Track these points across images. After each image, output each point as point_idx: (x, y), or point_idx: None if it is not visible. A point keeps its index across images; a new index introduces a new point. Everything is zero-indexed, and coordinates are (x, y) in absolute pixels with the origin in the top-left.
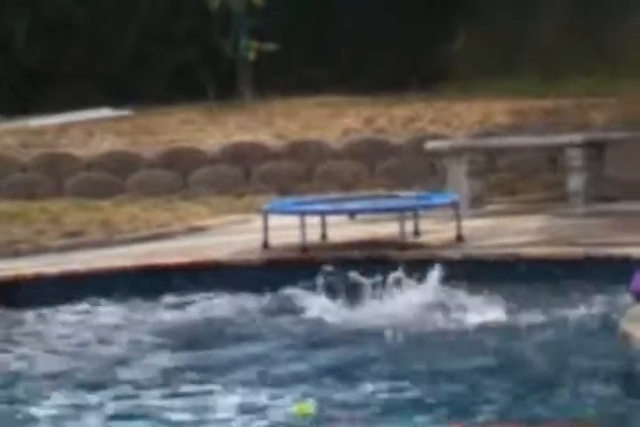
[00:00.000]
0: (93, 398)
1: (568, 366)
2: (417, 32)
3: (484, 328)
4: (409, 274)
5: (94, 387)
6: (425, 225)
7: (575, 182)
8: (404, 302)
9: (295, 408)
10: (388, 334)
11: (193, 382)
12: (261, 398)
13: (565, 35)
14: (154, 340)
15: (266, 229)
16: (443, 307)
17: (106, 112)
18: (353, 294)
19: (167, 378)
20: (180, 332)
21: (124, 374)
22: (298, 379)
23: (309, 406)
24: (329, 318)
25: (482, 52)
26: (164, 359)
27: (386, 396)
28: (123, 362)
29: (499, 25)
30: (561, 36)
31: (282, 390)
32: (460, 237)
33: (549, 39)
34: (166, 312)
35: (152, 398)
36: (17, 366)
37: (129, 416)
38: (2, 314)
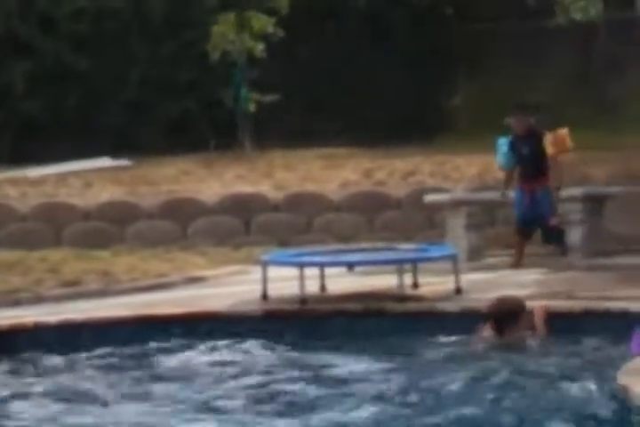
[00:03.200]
0: None
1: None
2: (418, 85)
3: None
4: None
5: None
6: (424, 277)
7: (574, 236)
8: None
9: None
10: None
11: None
12: None
13: (567, 89)
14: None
15: (265, 280)
16: None
17: (105, 162)
18: None
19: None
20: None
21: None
22: None
23: None
24: None
25: (482, 106)
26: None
27: None
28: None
29: (500, 79)
30: (562, 90)
31: None
32: (458, 290)
33: (550, 93)
34: (163, 361)
35: None
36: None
37: None
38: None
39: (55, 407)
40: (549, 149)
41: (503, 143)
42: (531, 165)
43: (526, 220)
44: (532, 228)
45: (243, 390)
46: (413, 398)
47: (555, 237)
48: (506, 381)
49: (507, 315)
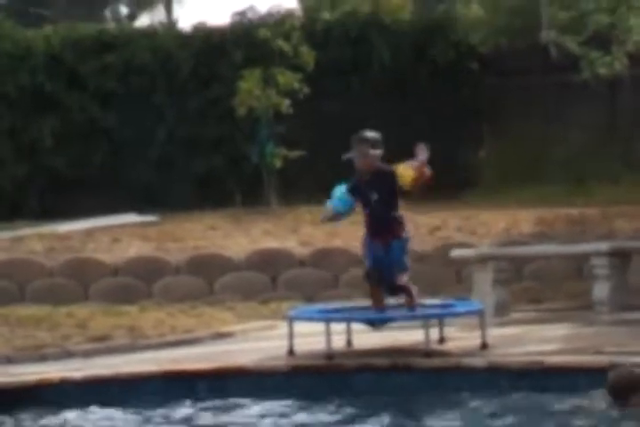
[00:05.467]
0: None
1: None
2: (444, 140)
3: None
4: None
5: None
6: (450, 333)
7: (600, 291)
8: None
9: None
10: None
11: None
12: None
13: (592, 144)
14: None
15: (291, 335)
16: None
17: (132, 218)
18: None
19: None
20: None
21: None
22: None
23: None
24: None
25: (508, 161)
26: None
27: None
28: None
29: (526, 133)
30: (588, 145)
31: None
32: (484, 345)
33: (576, 148)
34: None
35: None
36: None
37: None
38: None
39: None
40: (408, 180)
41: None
42: (383, 212)
43: (379, 266)
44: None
45: None
46: None
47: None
48: None
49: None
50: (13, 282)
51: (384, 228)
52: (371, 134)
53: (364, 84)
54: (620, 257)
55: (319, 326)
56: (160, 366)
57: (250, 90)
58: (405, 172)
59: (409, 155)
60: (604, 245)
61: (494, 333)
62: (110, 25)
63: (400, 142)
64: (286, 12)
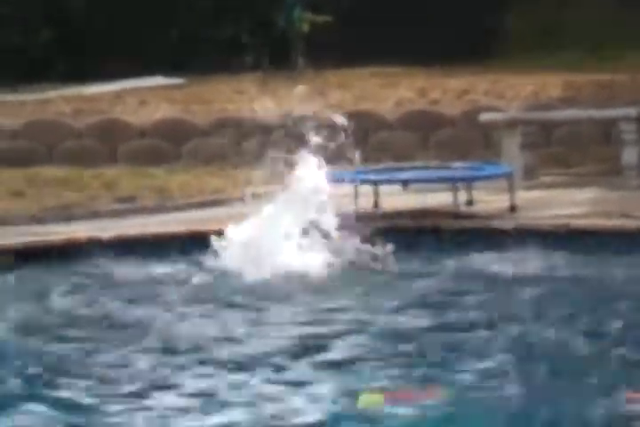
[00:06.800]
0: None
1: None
2: (472, 3)
3: None
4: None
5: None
6: (478, 196)
7: (629, 155)
8: None
9: (362, 398)
10: None
11: None
12: None
13: (611, 9)
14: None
15: None
16: None
17: (159, 80)
18: None
19: None
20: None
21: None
22: None
23: (376, 397)
24: None
25: (536, 24)
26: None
27: None
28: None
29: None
30: (607, 10)
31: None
32: (513, 208)
33: (595, 15)
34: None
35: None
36: None
37: None
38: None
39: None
40: None
41: None
42: None
43: None
44: None
45: None
46: None
47: None
48: None
49: None
50: (42, 143)
51: None
52: None
53: None
54: None
55: (347, 189)
56: (187, 227)
57: None
58: None
59: (436, 17)
60: (633, 111)
61: (522, 196)
62: None
63: (430, 5)
64: None
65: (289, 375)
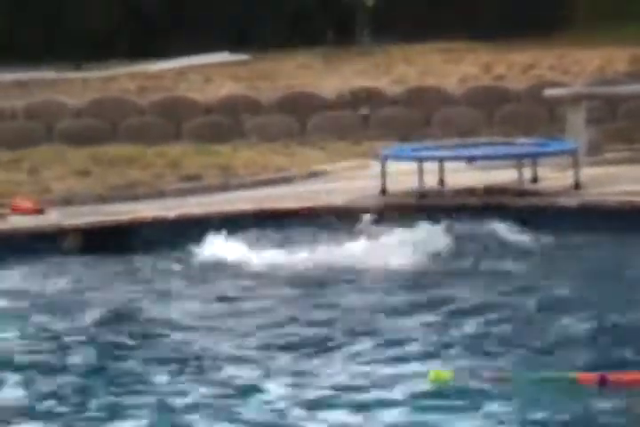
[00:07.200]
0: None
1: None
2: None
3: None
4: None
5: None
6: (543, 172)
7: None
8: None
9: (432, 374)
10: None
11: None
12: None
13: None
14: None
15: (384, 174)
16: None
17: (224, 57)
18: None
19: None
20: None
21: None
22: None
23: (447, 373)
24: None
25: None
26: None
27: None
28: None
29: None
30: None
31: None
32: (577, 185)
33: None
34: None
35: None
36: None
37: None
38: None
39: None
40: None
41: None
42: None
43: None
44: None
45: None
46: None
47: None
48: None
49: None
50: (106, 121)
51: None
52: None
53: None
54: None
55: (412, 166)
56: (252, 205)
57: None
58: None
59: None
60: None
61: (587, 172)
62: None
63: None
64: None
65: None
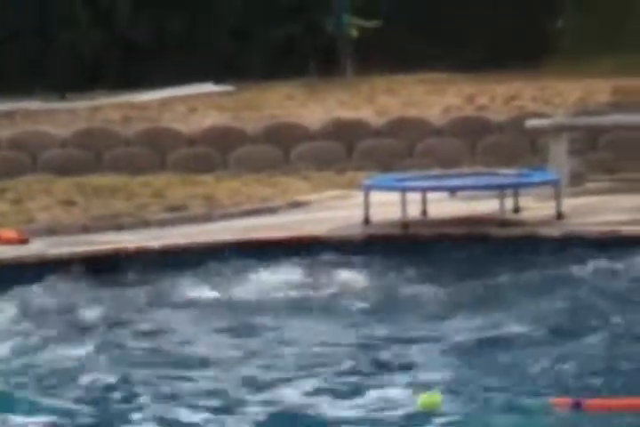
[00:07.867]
0: None
1: None
2: (520, 8)
3: None
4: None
5: None
6: (525, 203)
7: None
8: None
9: (422, 399)
10: None
11: None
12: None
13: None
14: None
15: (367, 204)
16: None
17: (209, 87)
18: None
19: None
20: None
21: None
22: None
23: (436, 397)
24: None
25: (586, 29)
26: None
27: None
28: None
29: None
30: None
31: None
32: (560, 215)
33: None
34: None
35: None
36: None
37: None
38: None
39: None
40: None
41: None
42: None
43: None
44: None
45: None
46: None
47: None
48: None
49: None
50: (91, 151)
51: None
52: None
53: None
54: None
55: (395, 196)
56: (236, 235)
57: None
58: None
59: (482, 22)
60: None
61: (569, 203)
62: None
63: (475, 10)
64: None
65: None
